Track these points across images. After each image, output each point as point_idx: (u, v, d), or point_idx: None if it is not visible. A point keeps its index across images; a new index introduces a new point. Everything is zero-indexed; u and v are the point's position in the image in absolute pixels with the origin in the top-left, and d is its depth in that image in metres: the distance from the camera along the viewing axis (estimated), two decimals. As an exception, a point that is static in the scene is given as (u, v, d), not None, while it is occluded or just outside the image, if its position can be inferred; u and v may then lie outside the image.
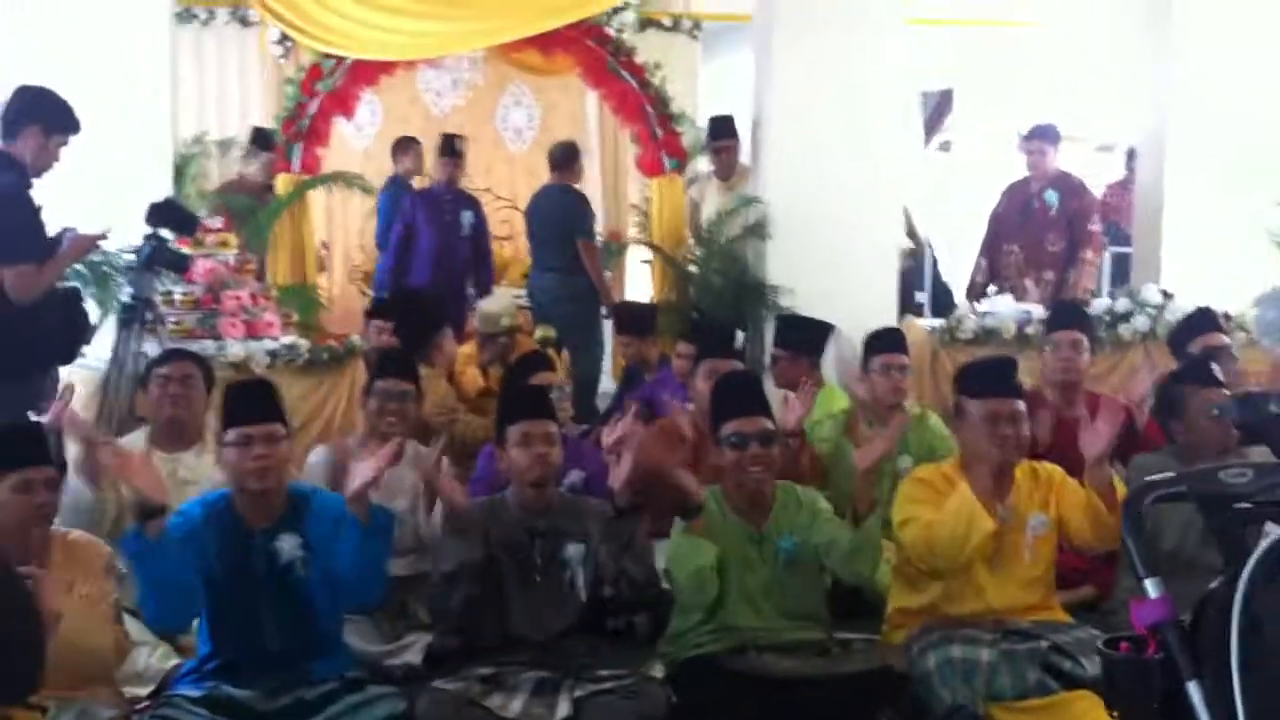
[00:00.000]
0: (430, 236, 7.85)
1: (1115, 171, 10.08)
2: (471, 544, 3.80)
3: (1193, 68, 7.36)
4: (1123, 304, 6.86)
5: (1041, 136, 7.60)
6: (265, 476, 3.59)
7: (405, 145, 8.64)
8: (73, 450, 4.20)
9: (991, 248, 7.69)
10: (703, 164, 8.33)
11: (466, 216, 7.98)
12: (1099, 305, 6.89)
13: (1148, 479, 1.83)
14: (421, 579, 4.37)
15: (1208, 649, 1.70)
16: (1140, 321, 6.76)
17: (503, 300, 7.12)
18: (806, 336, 5.65)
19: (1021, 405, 3.91)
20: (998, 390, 3.90)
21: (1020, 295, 7.31)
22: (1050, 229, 7.45)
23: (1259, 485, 1.82)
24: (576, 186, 7.79)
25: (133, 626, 3.92)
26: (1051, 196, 7.48)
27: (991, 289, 7.53)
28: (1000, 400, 3.87)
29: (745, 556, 3.88)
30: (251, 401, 3.71)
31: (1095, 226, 7.47)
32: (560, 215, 7.73)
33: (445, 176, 7.96)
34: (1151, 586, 1.76)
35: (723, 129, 7.68)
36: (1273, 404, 2.36)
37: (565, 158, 7.81)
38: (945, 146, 12.64)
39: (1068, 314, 5.42)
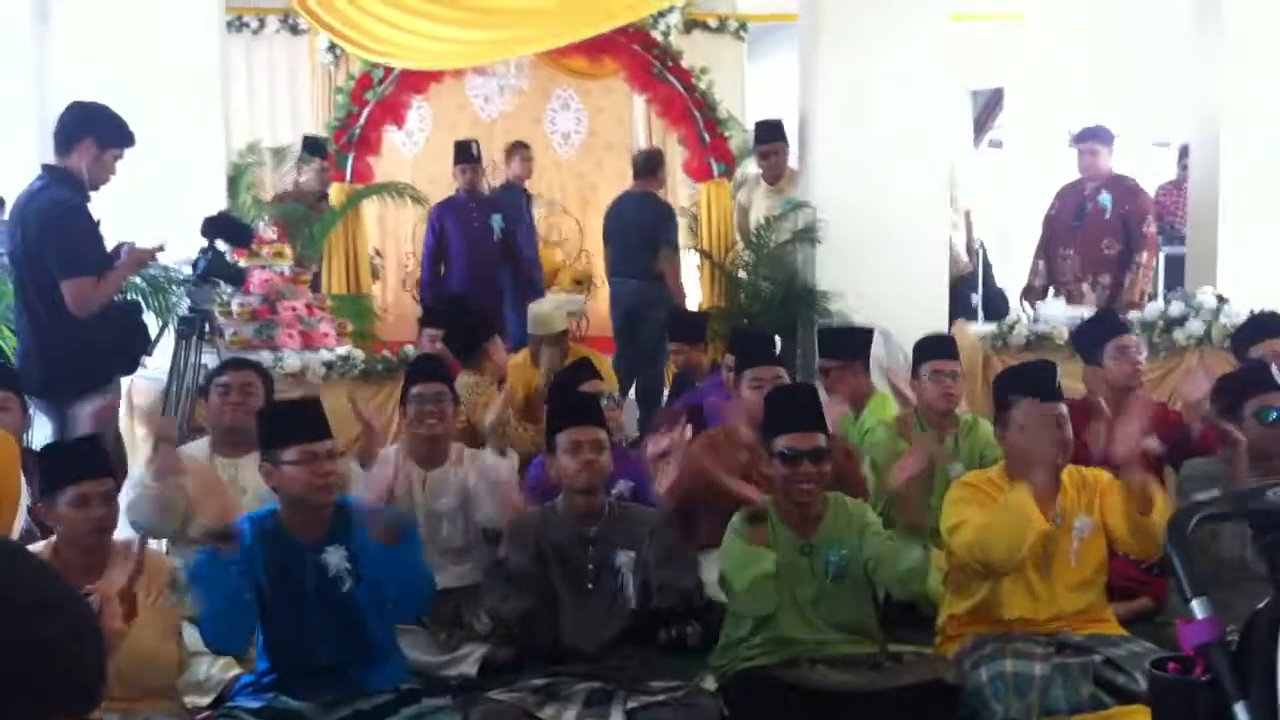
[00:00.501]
0: (461, 246, 7.88)
1: (1168, 170, 9.95)
2: (525, 553, 3.83)
3: (1246, 64, 7.27)
4: (1176, 308, 6.75)
5: (1093, 137, 7.48)
6: (331, 491, 3.62)
7: (512, 150, 8.73)
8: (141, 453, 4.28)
9: (1048, 251, 7.59)
10: (751, 167, 8.30)
11: (495, 220, 7.99)
12: (1152, 309, 6.81)
13: (1195, 499, 1.82)
14: (475, 590, 4.42)
15: (1254, 670, 1.69)
16: (1195, 326, 6.66)
17: (555, 300, 7.13)
18: (849, 344, 5.63)
19: (1064, 408, 3.90)
20: (1040, 392, 3.90)
21: (1077, 299, 7.22)
22: (1106, 232, 7.34)
23: (1307, 504, 1.81)
24: (660, 194, 7.77)
25: (193, 636, 3.99)
26: (1105, 199, 7.37)
27: (1050, 292, 7.47)
28: (1043, 403, 3.86)
29: (795, 568, 3.87)
30: (309, 419, 3.72)
31: (1150, 229, 7.36)
32: (643, 223, 7.73)
33: (465, 183, 7.93)
34: (1198, 607, 1.75)
35: (770, 133, 7.65)
36: None
37: (649, 165, 7.79)
38: (996, 145, 12.56)
39: (1112, 322, 5.34)
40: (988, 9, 10.78)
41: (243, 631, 3.60)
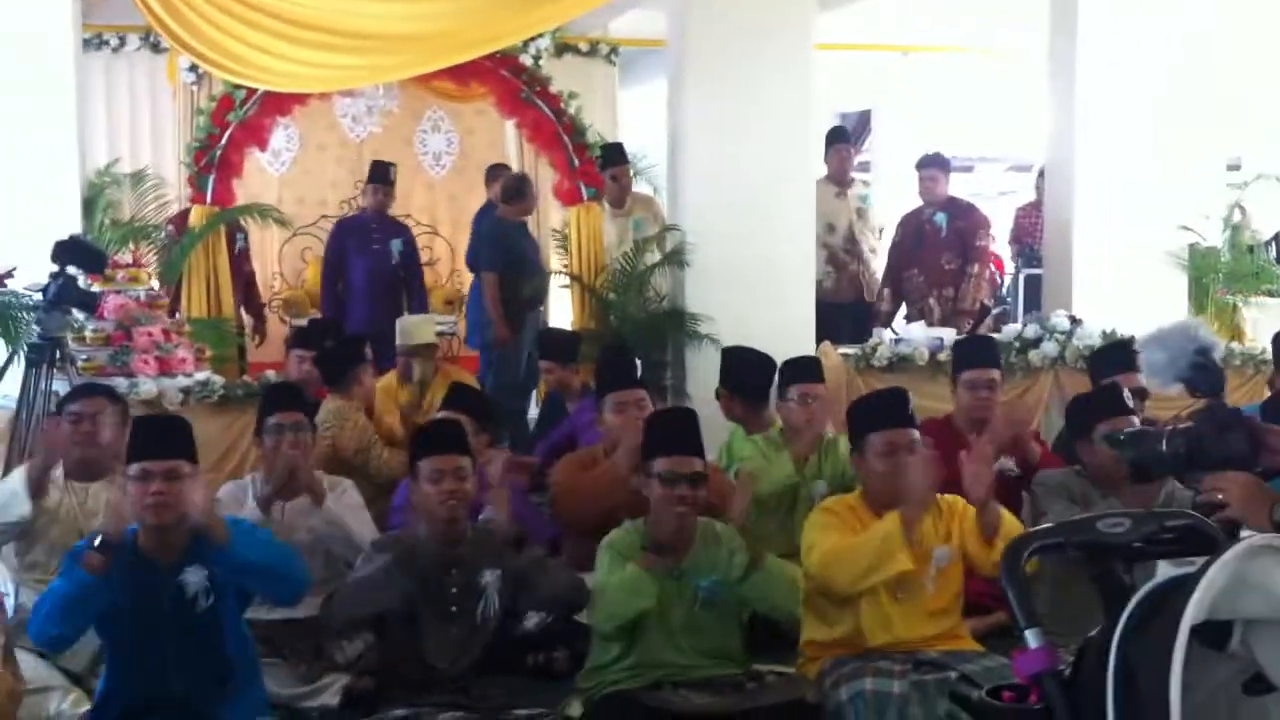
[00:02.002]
0: (361, 266, 7.82)
1: (1027, 192, 10.27)
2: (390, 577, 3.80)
3: (1098, 91, 7.52)
4: (1032, 330, 6.98)
5: (934, 164, 8.03)
6: (160, 513, 3.54)
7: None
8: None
9: (894, 277, 8.09)
10: None
11: (395, 245, 7.95)
12: (1009, 331, 7.02)
13: (1028, 531, 1.86)
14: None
15: (1086, 698, 1.73)
16: (1049, 347, 6.88)
17: (420, 318, 7.10)
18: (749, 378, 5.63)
19: (916, 434, 3.97)
20: (892, 421, 3.97)
21: (928, 314, 7.63)
22: (944, 248, 7.88)
23: (1137, 534, 1.86)
24: (507, 217, 7.77)
25: (42, 669, 3.87)
26: (941, 218, 7.91)
27: (901, 313, 7.84)
28: (896, 431, 3.94)
29: (665, 592, 3.87)
30: (154, 437, 3.67)
31: (982, 242, 7.93)
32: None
33: (374, 204, 7.95)
34: (1031, 637, 1.79)
35: (613, 156, 7.78)
36: (1163, 443, 2.43)
37: (504, 191, 7.83)
38: (864, 167, 12.79)
39: (978, 349, 5.44)
40: (855, 40, 10.96)
41: (71, 632, 3.58)
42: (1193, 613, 1.65)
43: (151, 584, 3.55)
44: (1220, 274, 7.74)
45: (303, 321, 7.83)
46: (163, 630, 3.53)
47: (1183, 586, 1.70)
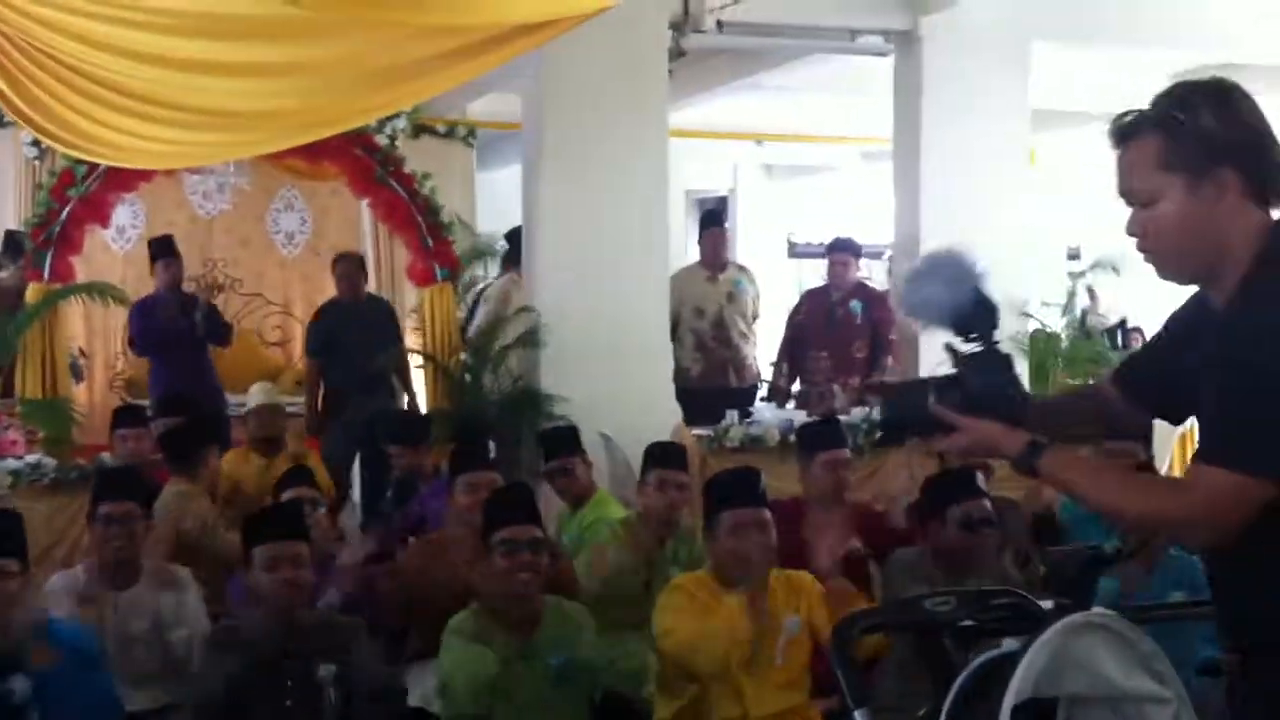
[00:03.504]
0: (170, 343, 7.60)
1: (879, 278, 10.52)
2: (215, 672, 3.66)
3: (941, 181, 7.78)
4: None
5: (845, 249, 8.17)
6: None
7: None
8: None
9: (794, 353, 8.07)
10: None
11: (197, 315, 7.66)
12: (857, 414, 7.12)
13: (853, 611, 1.86)
14: (170, 710, 4.19)
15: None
16: (897, 429, 7.00)
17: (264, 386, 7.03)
18: (559, 442, 5.66)
19: (767, 514, 3.99)
20: (743, 500, 3.99)
21: (827, 399, 7.65)
22: (856, 336, 7.98)
23: (964, 612, 1.87)
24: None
25: None
26: (857, 306, 8.01)
27: (795, 389, 7.88)
28: (745, 510, 3.96)
29: (514, 671, 3.82)
30: None
31: (894, 335, 7.94)
32: None
33: (167, 280, 7.67)
34: (860, 716, 1.79)
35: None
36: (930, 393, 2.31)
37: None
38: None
39: (826, 432, 5.49)
40: (709, 126, 11.18)
41: None
42: (1014, 693, 1.65)
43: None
44: (1060, 359, 8.00)
45: (144, 402, 7.58)
46: None
47: (1006, 665, 1.71)
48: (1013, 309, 7.71)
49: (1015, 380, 2.33)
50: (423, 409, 7.63)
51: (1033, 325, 7.96)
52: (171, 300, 7.64)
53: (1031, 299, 8.04)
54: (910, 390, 2.39)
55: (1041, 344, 7.93)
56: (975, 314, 2.31)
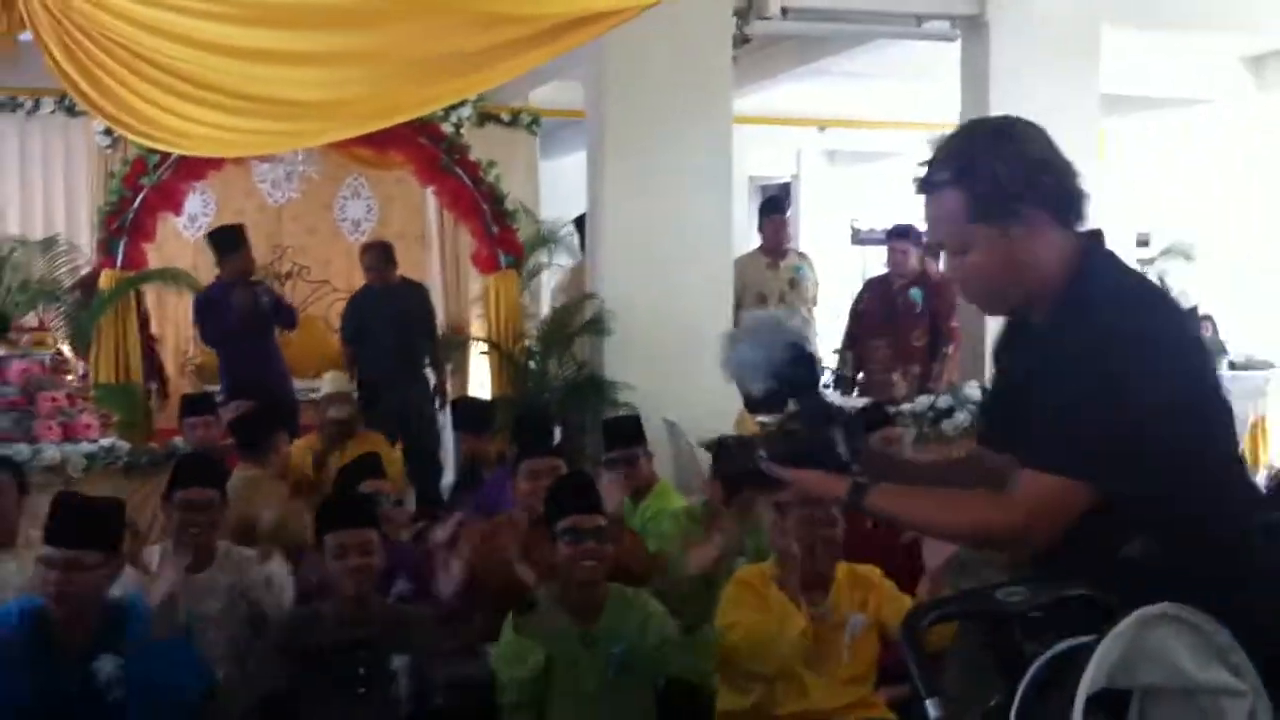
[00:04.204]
0: (238, 334, 7.63)
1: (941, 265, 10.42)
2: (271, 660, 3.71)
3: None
4: (945, 400, 7.06)
5: (905, 236, 7.96)
6: (62, 602, 3.44)
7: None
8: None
9: (857, 341, 7.99)
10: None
11: (265, 301, 7.69)
12: (922, 402, 7.08)
13: (923, 602, 1.85)
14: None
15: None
16: (961, 417, 6.96)
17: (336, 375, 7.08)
18: (623, 431, 5.66)
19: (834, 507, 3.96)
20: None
21: (888, 388, 7.55)
22: (916, 324, 7.83)
23: (1034, 602, 1.86)
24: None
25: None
26: (917, 294, 7.85)
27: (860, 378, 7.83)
28: (811, 504, 3.91)
29: (575, 658, 3.83)
30: (70, 521, 3.52)
31: (955, 323, 7.79)
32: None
33: (237, 269, 7.64)
34: (931, 706, 1.78)
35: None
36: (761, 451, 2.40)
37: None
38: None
39: (878, 414, 5.46)
40: (773, 111, 11.13)
41: None
42: (1088, 683, 1.64)
43: (58, 671, 3.42)
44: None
45: (215, 388, 7.68)
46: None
47: (1079, 656, 1.70)
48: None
49: (848, 427, 2.40)
50: (474, 396, 7.69)
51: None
52: (241, 289, 7.72)
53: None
54: (742, 447, 2.52)
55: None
56: (795, 372, 2.39)
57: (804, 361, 2.41)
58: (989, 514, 2.16)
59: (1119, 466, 2.01)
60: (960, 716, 1.81)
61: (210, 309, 7.60)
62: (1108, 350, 2.04)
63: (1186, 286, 10.09)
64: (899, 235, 7.99)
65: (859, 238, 13.53)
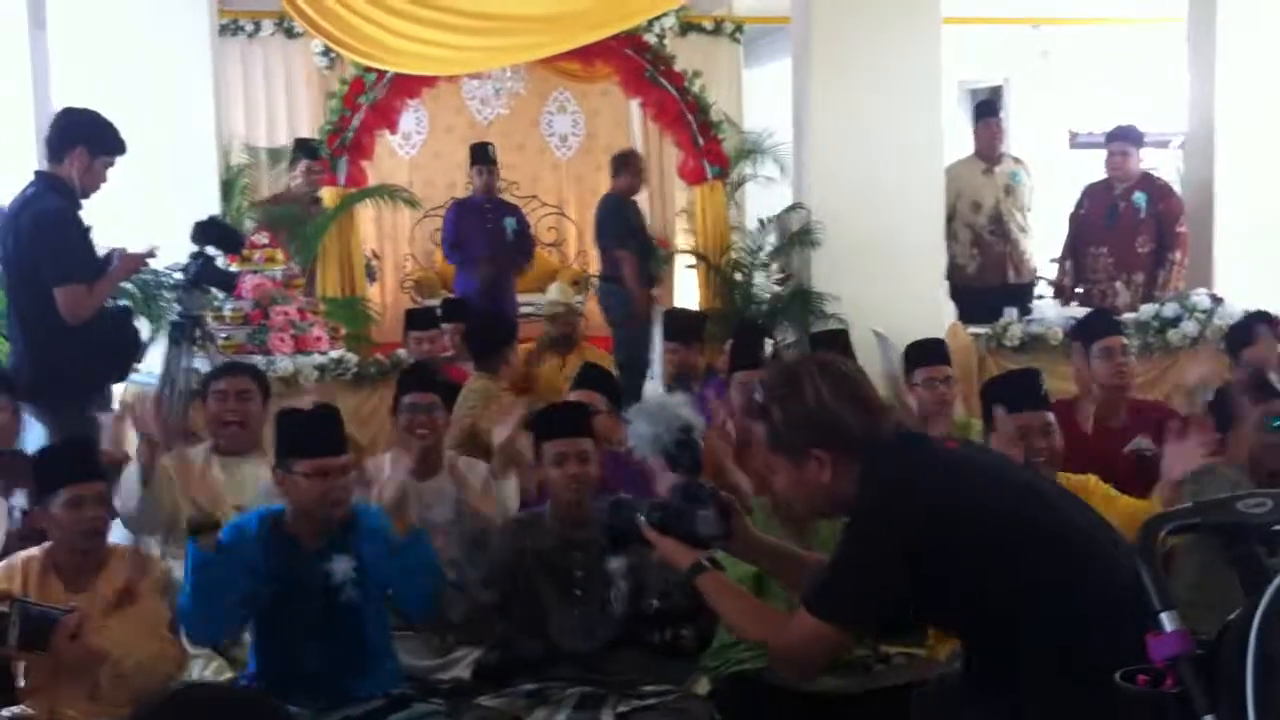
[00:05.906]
0: (477, 247, 7.91)
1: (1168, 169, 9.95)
2: (493, 558, 3.85)
3: (1240, 63, 7.27)
4: (1171, 309, 6.78)
5: (1124, 138, 7.55)
6: (341, 507, 3.60)
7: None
8: (134, 449, 4.26)
9: (1076, 250, 7.70)
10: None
11: (509, 223, 8.03)
12: (1146, 310, 6.82)
13: (1162, 511, 1.82)
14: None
15: (1223, 685, 1.69)
16: (1189, 327, 6.68)
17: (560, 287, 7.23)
18: (831, 346, 5.59)
19: (1051, 416, 3.93)
20: (1027, 403, 3.92)
21: (1110, 297, 7.29)
22: (1140, 231, 7.44)
23: (1278, 515, 1.80)
24: (617, 194, 7.81)
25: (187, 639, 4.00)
26: (1140, 198, 7.45)
27: (1079, 290, 7.54)
28: (1030, 414, 3.90)
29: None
30: (322, 433, 3.66)
31: (1182, 228, 7.40)
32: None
33: (482, 185, 8.02)
34: (1167, 620, 1.75)
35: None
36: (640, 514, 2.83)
37: (614, 167, 7.89)
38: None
39: (1106, 321, 5.31)
40: (983, 12, 10.76)
41: (224, 622, 3.62)
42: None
43: (299, 568, 3.59)
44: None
45: (434, 302, 7.94)
46: (306, 615, 3.57)
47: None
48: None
49: (720, 506, 2.74)
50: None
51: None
52: (488, 205, 7.96)
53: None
54: (624, 507, 2.87)
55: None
56: (680, 452, 2.82)
57: (688, 446, 2.83)
58: (776, 637, 2.60)
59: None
60: (1195, 629, 1.77)
61: (458, 223, 7.95)
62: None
63: None
64: (1119, 138, 7.61)
65: (1077, 141, 13.01)
